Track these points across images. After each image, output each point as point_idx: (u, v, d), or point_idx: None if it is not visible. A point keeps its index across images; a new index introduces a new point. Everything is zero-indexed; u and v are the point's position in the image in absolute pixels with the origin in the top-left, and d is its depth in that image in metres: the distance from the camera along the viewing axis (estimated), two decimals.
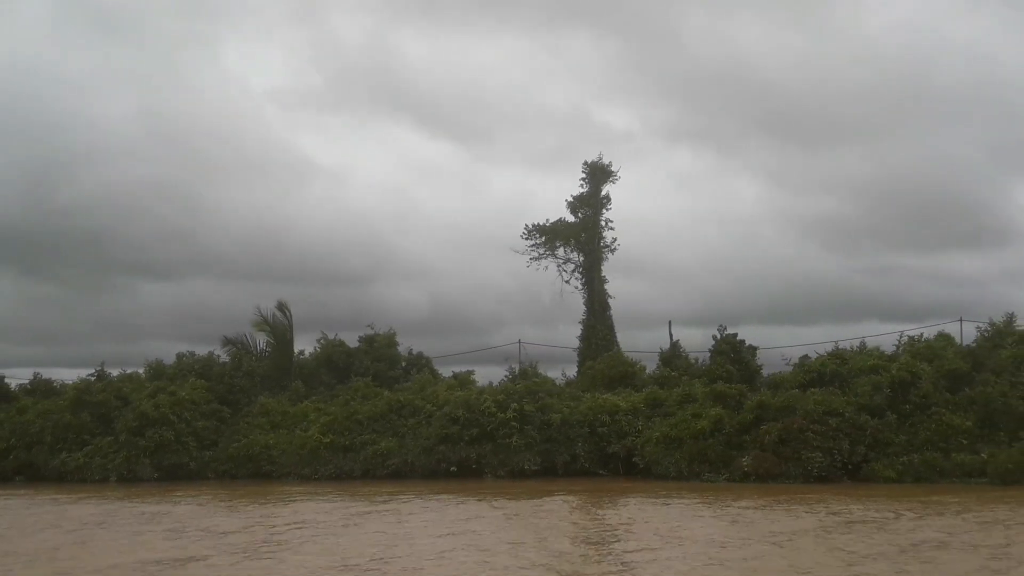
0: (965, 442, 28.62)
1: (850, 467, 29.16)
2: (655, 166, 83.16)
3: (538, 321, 62.44)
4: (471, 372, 42.56)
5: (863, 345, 36.63)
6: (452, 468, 33.37)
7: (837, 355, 34.99)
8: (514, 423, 33.06)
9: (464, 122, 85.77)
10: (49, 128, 71.25)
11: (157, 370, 41.53)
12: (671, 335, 44.30)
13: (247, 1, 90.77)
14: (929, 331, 37.90)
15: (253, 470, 35.23)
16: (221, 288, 69.60)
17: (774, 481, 28.49)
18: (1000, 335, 35.13)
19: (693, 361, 41.61)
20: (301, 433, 35.22)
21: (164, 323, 64.76)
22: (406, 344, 45.03)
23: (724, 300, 65.56)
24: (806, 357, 36.35)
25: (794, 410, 29.91)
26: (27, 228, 68.23)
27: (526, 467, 32.76)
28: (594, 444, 33.43)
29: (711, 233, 75.01)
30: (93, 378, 41.70)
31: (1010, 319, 36.19)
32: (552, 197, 66.12)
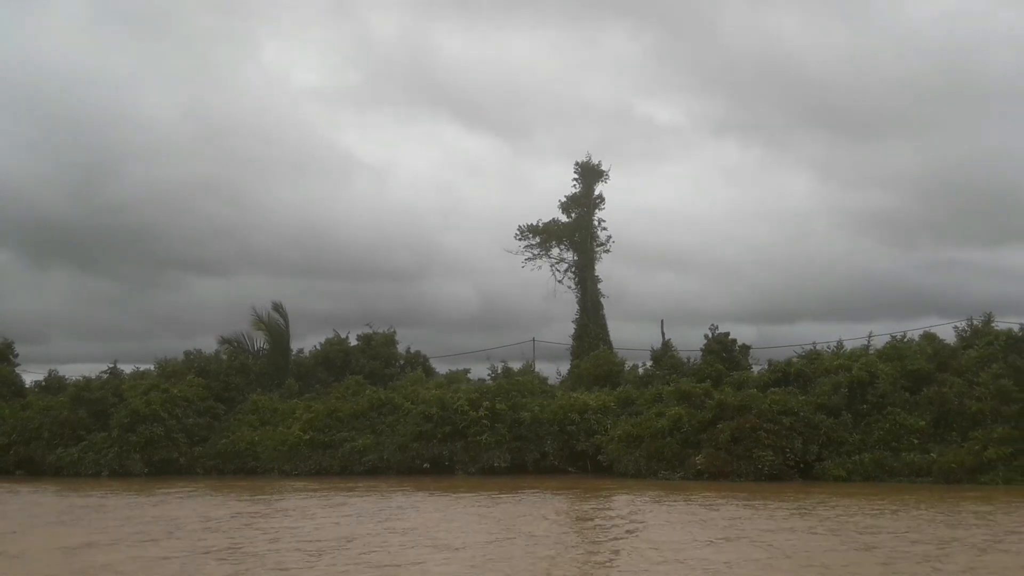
0: (916, 442, 28.84)
1: (802, 466, 29.54)
2: (702, 160, 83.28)
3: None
4: (467, 371, 43.78)
5: (840, 345, 36.85)
6: (425, 465, 34.24)
7: (811, 355, 35.36)
8: (485, 421, 33.85)
9: (504, 117, 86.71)
10: (95, 127, 74.13)
11: (165, 368, 42.94)
12: (663, 333, 44.86)
13: None
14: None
15: (239, 466, 36.37)
16: (271, 284, 72.05)
17: (725, 479, 28.96)
18: (977, 335, 35.13)
19: (685, 360, 41.97)
20: (283, 430, 36.30)
21: (218, 319, 66.94)
22: (434, 343, 46.18)
23: (778, 296, 66.30)
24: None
25: (751, 409, 30.29)
26: (80, 225, 71.09)
27: (496, 464, 33.52)
28: (563, 442, 34.09)
29: (762, 227, 75.14)
30: (106, 375, 43.56)
31: (988, 319, 36.17)
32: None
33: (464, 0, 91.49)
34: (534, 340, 48.55)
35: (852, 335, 71.23)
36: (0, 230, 71.88)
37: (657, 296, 67.25)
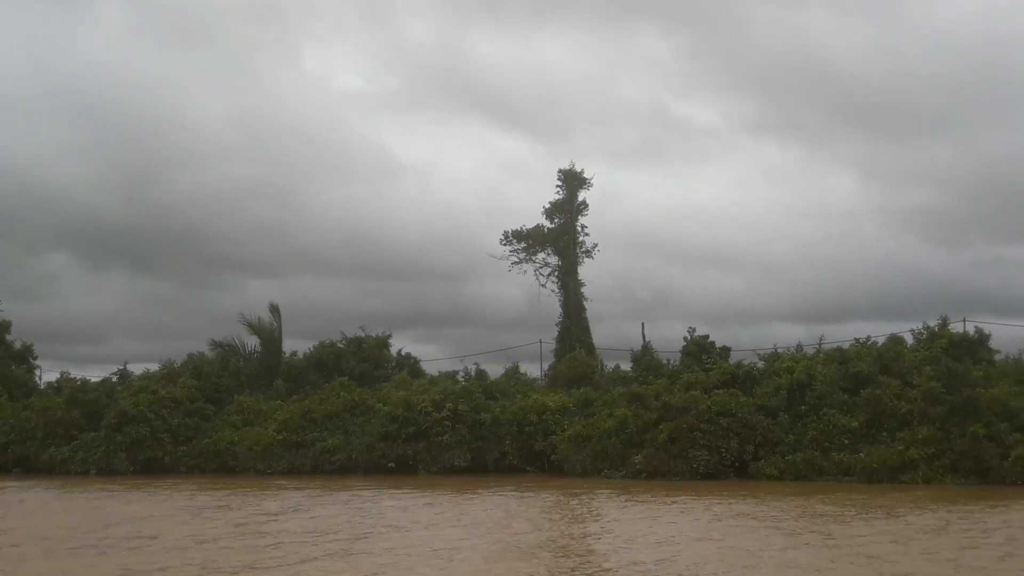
0: (847, 442, 29.61)
1: (737, 465, 30.46)
2: (742, 160, 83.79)
3: (633, 316, 63.92)
4: (455, 372, 44.97)
5: (799, 347, 37.57)
6: (390, 464, 35.63)
7: (770, 357, 36.24)
8: (447, 422, 35.14)
9: (540, 119, 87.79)
10: (144, 132, 76.73)
11: (166, 369, 44.80)
12: (644, 335, 45.92)
13: (317, 5, 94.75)
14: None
15: (219, 465, 38.07)
16: (322, 284, 74.12)
17: (662, 478, 29.99)
18: (933, 338, 35.65)
19: (665, 362, 42.90)
20: (259, 430, 37.89)
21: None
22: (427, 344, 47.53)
23: (826, 295, 66.63)
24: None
25: (691, 411, 31.24)
26: (133, 227, 74.05)
27: (456, 463, 34.80)
28: (522, 442, 35.24)
29: (806, 227, 75.53)
30: (115, 377, 45.81)
31: (944, 322, 36.66)
32: (641, 191, 69.56)
33: (496, 4, 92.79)
34: (540, 341, 49.96)
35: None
36: (57, 233, 75.45)
37: (705, 296, 68.91)
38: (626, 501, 24.61)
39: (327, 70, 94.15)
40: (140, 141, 76.06)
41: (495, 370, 44.34)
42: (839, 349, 34.55)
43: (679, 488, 27.49)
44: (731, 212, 77.89)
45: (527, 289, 59.59)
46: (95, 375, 47.91)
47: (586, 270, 48.18)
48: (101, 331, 70.39)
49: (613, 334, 50.55)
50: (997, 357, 35.67)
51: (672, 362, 42.51)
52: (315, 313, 67.14)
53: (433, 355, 68.17)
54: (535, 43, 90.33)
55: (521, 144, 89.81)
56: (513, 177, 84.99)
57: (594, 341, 47.60)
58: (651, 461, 30.56)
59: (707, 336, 42.84)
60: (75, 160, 75.71)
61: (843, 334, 67.10)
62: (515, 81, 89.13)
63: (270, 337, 45.70)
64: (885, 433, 29.57)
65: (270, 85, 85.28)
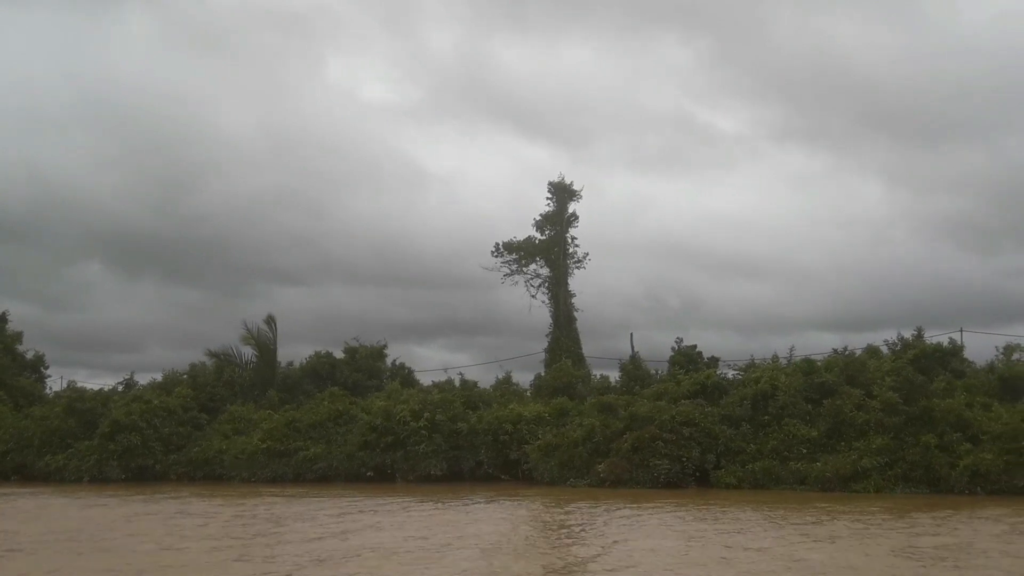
0: (805, 451, 30.02)
1: (699, 473, 30.93)
2: (768, 167, 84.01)
3: (664, 325, 64.23)
4: (449, 380, 45.87)
5: (775, 357, 37.97)
6: (369, 473, 36.39)
7: (748, 367, 36.74)
8: (424, 431, 35.85)
9: (563, 127, 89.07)
10: (173, 142, 78.68)
11: (170, 378, 45.98)
12: (632, 346, 46.50)
13: (341, 16, 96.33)
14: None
15: (208, 472, 39.06)
16: (351, 293, 75.60)
17: (624, 486, 30.51)
18: (907, 348, 35.96)
19: (653, 372, 43.42)
20: (245, 439, 38.80)
21: (302, 328, 69.58)
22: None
23: (858, 303, 66.44)
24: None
25: (655, 420, 31.74)
26: (165, 237, 76.21)
27: (432, 472, 35.49)
28: (497, 451, 35.91)
29: (834, 234, 75.55)
30: (121, 386, 47.16)
31: (919, 333, 36.97)
32: (666, 198, 71.08)
33: (517, 13, 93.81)
34: (544, 351, 50.47)
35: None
36: (89, 242, 78.03)
37: (735, 304, 69.39)
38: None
39: (352, 80, 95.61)
40: (169, 151, 78.02)
41: (515, 378, 45.60)
42: (807, 360, 34.83)
43: (622, 496, 27.89)
44: (758, 220, 78.31)
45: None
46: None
47: (577, 281, 49.02)
48: (135, 339, 72.08)
49: (639, 343, 51.61)
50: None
51: (659, 372, 43.08)
52: (344, 321, 68.36)
53: (463, 363, 68.73)
54: (558, 51, 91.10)
55: (544, 152, 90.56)
56: (538, 185, 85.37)
57: (588, 351, 48.36)
58: (614, 470, 31.11)
59: (695, 346, 43.40)
60: (106, 170, 77.87)
61: (876, 342, 67.13)
62: (538, 89, 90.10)
63: (267, 348, 46.65)
64: (843, 443, 29.96)
65: (296, 95, 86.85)
